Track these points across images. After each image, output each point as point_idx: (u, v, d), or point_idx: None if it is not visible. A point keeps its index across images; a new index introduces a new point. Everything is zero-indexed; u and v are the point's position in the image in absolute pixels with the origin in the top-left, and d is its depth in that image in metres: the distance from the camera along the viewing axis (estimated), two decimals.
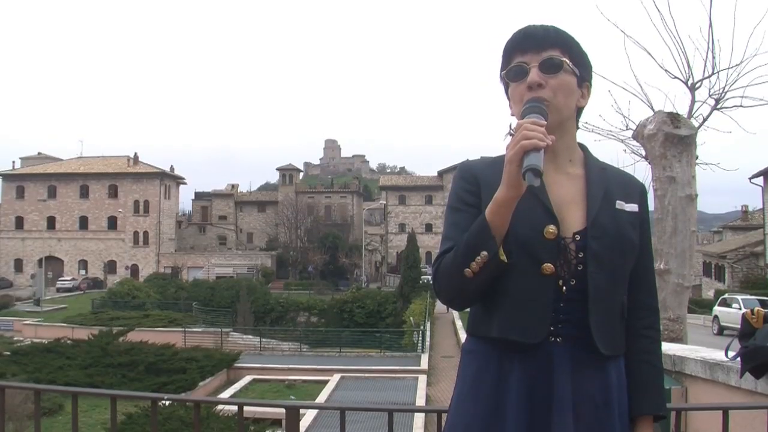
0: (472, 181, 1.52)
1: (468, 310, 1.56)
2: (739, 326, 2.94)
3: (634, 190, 1.57)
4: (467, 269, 1.38)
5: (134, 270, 60.18)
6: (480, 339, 1.50)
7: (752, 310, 2.91)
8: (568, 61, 1.49)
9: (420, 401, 15.91)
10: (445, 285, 1.46)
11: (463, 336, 25.84)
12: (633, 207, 1.52)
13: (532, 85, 1.47)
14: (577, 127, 1.60)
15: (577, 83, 1.53)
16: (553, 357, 1.42)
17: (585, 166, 1.56)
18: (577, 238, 1.45)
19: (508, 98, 1.61)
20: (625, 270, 1.50)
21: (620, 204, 1.51)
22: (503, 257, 1.37)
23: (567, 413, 1.39)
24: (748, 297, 24.82)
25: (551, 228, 1.43)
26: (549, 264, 1.42)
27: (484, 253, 1.36)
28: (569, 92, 1.50)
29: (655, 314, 1.59)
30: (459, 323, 29.76)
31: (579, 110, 1.58)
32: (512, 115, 1.59)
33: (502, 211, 1.36)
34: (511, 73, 1.52)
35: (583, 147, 1.60)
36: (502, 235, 1.37)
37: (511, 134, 1.36)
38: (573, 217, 1.47)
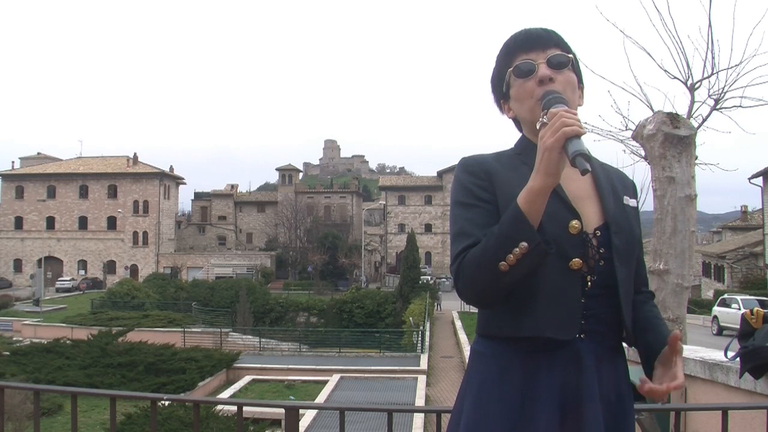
0: (483, 176, 1.49)
1: (469, 309, 1.55)
2: (738, 326, 2.94)
3: (629, 185, 1.61)
4: (502, 263, 1.31)
5: (133, 270, 60.15)
6: (497, 340, 1.46)
7: (751, 311, 2.91)
8: (573, 59, 1.52)
9: (419, 401, 15.90)
10: (473, 281, 1.38)
11: (462, 336, 25.84)
12: (633, 202, 1.57)
13: (544, 79, 1.47)
14: None
15: (578, 83, 1.55)
16: (581, 354, 1.41)
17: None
18: (598, 234, 1.46)
19: (501, 102, 1.62)
20: (634, 264, 1.54)
21: (626, 200, 1.55)
22: (545, 247, 1.33)
23: (597, 411, 1.39)
24: (748, 297, 24.84)
25: (575, 223, 1.43)
26: (577, 259, 1.42)
27: (524, 244, 1.29)
28: (574, 89, 1.52)
29: (653, 298, 1.67)
30: (458, 324, 29.76)
31: None
32: (510, 117, 1.60)
33: (539, 200, 1.31)
34: (519, 70, 1.52)
35: None
36: (537, 226, 1.33)
37: (544, 123, 1.34)
38: (591, 213, 1.48)
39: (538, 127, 1.36)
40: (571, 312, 1.42)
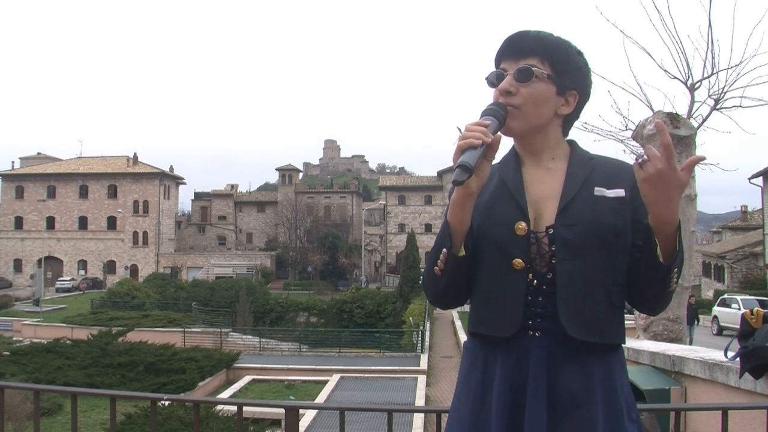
0: None
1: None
2: (738, 326, 2.94)
3: (622, 176, 1.52)
4: (436, 267, 1.48)
5: (133, 270, 60.13)
6: (471, 337, 1.57)
7: (751, 311, 2.92)
8: (543, 71, 1.51)
9: (419, 401, 15.88)
10: (425, 285, 1.58)
11: (462, 336, 25.88)
12: (618, 192, 1.49)
13: (502, 92, 1.52)
14: (566, 133, 1.62)
15: (559, 91, 1.54)
16: (529, 351, 1.44)
17: (569, 160, 1.57)
18: (550, 232, 1.47)
19: None
20: (611, 256, 1.46)
21: (600, 191, 1.49)
22: (461, 252, 1.45)
23: (540, 408, 1.40)
24: (748, 297, 24.82)
25: (521, 224, 1.47)
26: (519, 259, 1.46)
27: (444, 249, 1.45)
28: (540, 101, 1.51)
29: None
30: (458, 323, 29.78)
31: (566, 118, 1.59)
32: None
33: (457, 210, 1.44)
34: (490, 79, 1.57)
35: (571, 142, 1.61)
36: (463, 232, 1.45)
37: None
38: (549, 212, 1.49)
39: (453, 143, 1.43)
40: (508, 310, 1.46)
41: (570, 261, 1.44)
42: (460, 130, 1.42)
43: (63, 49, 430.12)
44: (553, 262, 1.45)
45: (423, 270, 1.63)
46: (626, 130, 6.47)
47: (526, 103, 1.50)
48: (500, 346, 1.47)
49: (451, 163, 1.42)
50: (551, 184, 1.52)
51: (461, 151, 1.36)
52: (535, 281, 1.46)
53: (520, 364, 1.44)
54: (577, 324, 1.42)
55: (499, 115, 1.46)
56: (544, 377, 1.42)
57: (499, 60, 1.58)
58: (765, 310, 2.89)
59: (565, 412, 1.41)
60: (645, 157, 1.36)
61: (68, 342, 20.12)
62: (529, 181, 1.53)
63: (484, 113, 1.46)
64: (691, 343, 17.72)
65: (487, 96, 1.58)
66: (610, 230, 1.46)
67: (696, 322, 19.79)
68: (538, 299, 1.45)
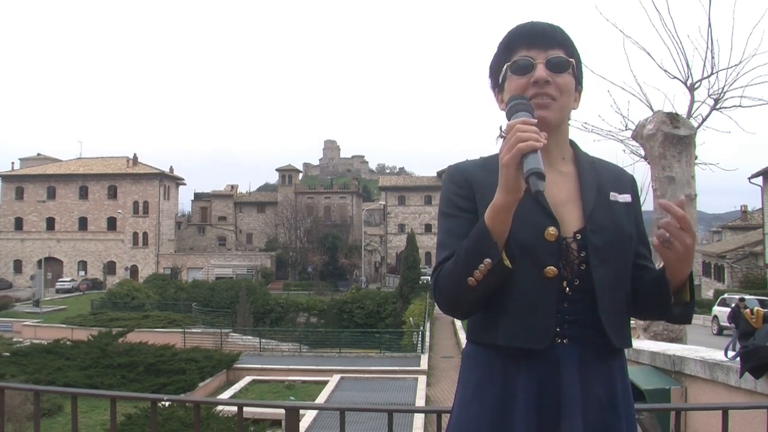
0: (463, 185, 1.49)
1: None
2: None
3: (625, 180, 1.56)
4: (470, 278, 1.33)
5: (133, 271, 60.14)
6: (481, 345, 1.48)
7: (752, 310, 2.92)
8: (572, 63, 1.49)
9: (420, 402, 15.88)
10: (447, 294, 1.42)
11: (462, 336, 25.84)
12: (626, 198, 1.51)
13: (540, 81, 1.45)
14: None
15: (575, 86, 1.53)
16: (559, 359, 1.40)
17: (576, 162, 1.55)
18: (578, 237, 1.43)
19: (495, 91, 1.58)
20: (627, 262, 1.48)
21: (614, 196, 1.50)
22: (507, 263, 1.33)
23: (576, 416, 1.37)
24: (748, 297, 24.83)
25: (552, 229, 1.41)
26: (552, 267, 1.40)
27: (488, 260, 1.31)
28: (570, 93, 1.49)
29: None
30: (458, 324, 29.78)
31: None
32: (502, 109, 1.56)
33: (502, 217, 1.32)
34: (516, 66, 1.49)
35: (572, 142, 1.60)
36: (504, 241, 1.34)
37: (502, 136, 1.31)
38: (571, 217, 1.46)
39: (496, 141, 1.35)
40: (543, 321, 1.40)
41: (602, 267, 1.42)
42: (501, 129, 1.34)
43: (63, 49, 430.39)
44: (582, 268, 1.42)
45: (437, 278, 1.43)
46: (626, 130, 6.47)
47: (562, 94, 1.46)
48: (524, 356, 1.40)
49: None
50: (565, 188, 1.50)
51: (522, 154, 1.25)
52: (567, 289, 1.42)
53: (548, 373, 1.39)
54: (615, 331, 1.43)
55: (532, 111, 1.37)
56: (577, 385, 1.39)
57: (515, 46, 1.50)
58: (765, 310, 2.89)
59: (592, 417, 1.40)
60: (665, 233, 1.36)
61: (68, 343, 20.12)
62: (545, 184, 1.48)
63: (519, 109, 1.36)
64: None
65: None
66: (627, 235, 1.48)
67: None
68: (564, 305, 1.41)
